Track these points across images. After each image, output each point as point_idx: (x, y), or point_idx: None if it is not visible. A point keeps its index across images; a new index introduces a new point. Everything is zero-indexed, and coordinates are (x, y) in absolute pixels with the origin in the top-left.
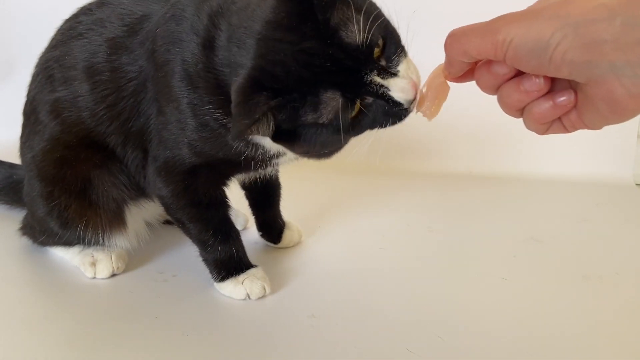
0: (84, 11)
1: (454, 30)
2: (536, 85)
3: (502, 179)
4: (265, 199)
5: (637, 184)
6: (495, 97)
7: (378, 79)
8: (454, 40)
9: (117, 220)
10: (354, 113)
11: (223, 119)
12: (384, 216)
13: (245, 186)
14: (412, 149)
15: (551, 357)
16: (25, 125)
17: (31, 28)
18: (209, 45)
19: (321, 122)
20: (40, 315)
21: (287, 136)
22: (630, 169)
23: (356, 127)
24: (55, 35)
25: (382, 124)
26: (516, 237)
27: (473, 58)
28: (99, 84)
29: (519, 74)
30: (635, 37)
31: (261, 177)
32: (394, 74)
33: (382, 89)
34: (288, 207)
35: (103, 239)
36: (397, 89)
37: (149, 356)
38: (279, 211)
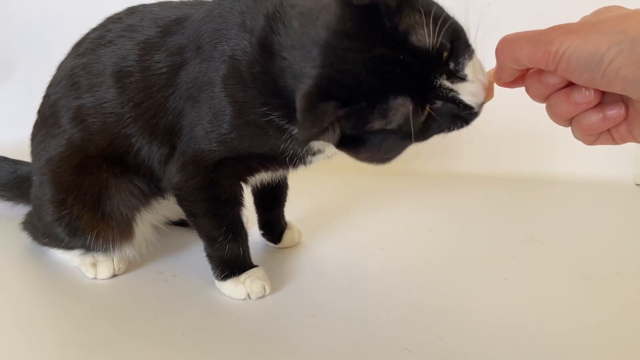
0: (113, 20)
1: (507, 35)
2: (586, 97)
3: (502, 179)
4: (272, 199)
5: (637, 184)
6: (492, 101)
7: (447, 83)
8: (505, 46)
9: (127, 231)
10: (423, 118)
11: (279, 121)
12: (384, 216)
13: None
14: (412, 149)
15: (551, 357)
16: (41, 126)
17: (31, 28)
18: (266, 48)
19: (390, 128)
20: (41, 315)
21: (352, 143)
22: (630, 169)
23: (425, 132)
24: (82, 43)
25: (449, 128)
26: (516, 237)
27: (524, 66)
28: (127, 85)
29: (569, 84)
30: None
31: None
32: (463, 78)
33: (451, 93)
34: (288, 207)
35: (113, 250)
36: (467, 92)
37: (149, 356)
38: (283, 212)
